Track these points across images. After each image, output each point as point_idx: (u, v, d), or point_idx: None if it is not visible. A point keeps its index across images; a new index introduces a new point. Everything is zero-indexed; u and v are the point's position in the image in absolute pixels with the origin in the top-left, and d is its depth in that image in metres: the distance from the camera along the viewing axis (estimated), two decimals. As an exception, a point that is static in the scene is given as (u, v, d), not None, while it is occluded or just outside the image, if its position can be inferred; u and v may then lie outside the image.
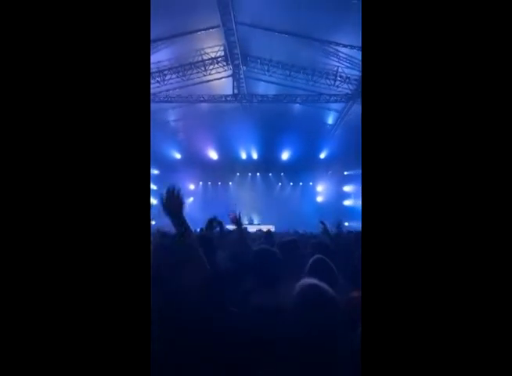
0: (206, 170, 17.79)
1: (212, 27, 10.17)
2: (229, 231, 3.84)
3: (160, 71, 11.46)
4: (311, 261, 2.43)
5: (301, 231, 8.92)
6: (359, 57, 10.15)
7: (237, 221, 3.07)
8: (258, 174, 19.18)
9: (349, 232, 4.22)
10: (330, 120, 15.25)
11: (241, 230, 3.05)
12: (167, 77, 11.66)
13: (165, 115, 14.87)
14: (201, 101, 12.92)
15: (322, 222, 3.76)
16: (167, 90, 12.26)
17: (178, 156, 17.68)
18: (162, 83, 11.72)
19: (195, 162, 17.18)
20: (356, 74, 11.12)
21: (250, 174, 19.08)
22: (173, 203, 1.79)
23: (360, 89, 11.34)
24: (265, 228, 7.85)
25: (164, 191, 1.80)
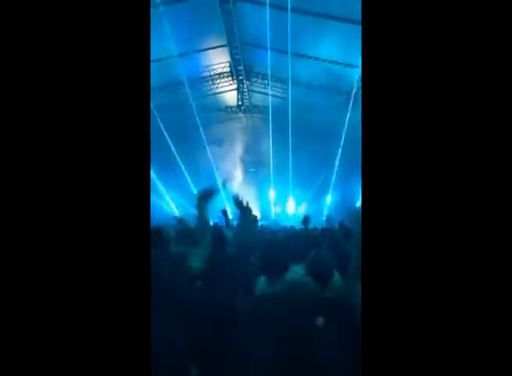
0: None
1: (219, 47, 10.30)
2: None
3: (174, 84, 11.57)
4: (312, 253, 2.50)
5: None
6: (349, 72, 10.21)
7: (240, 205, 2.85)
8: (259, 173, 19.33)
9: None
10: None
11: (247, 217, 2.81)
12: (180, 90, 11.77)
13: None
14: (209, 111, 13.03)
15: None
16: (180, 101, 12.36)
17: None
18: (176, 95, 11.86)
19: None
20: (346, 87, 11.16)
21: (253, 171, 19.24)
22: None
23: (350, 100, 11.40)
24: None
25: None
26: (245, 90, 12.34)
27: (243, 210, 2.79)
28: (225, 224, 3.44)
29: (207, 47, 10.31)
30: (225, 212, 3.54)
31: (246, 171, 18.90)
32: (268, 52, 9.77)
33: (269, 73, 10.93)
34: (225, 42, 9.90)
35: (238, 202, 2.82)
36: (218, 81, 11.86)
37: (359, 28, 1.21)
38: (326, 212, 12.05)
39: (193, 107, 12.07)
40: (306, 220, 4.09)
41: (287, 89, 11.67)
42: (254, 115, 13.49)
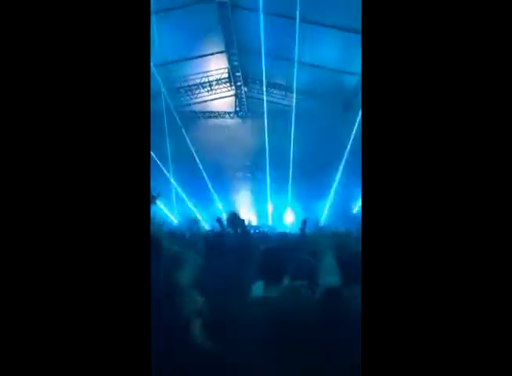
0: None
1: (218, 53, 10.38)
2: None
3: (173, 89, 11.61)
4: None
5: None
6: (347, 79, 10.32)
7: (233, 220, 3.00)
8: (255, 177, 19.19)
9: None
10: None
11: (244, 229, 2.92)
12: (178, 95, 11.80)
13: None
14: (208, 117, 13.09)
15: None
16: (178, 106, 12.39)
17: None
18: (174, 100, 11.88)
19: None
20: (343, 94, 11.26)
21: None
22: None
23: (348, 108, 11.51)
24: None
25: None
26: (243, 96, 12.40)
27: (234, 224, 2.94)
28: (220, 231, 3.48)
29: (206, 53, 10.38)
30: (219, 220, 3.60)
31: (243, 177, 18.90)
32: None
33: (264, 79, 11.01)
34: (223, 49, 9.97)
35: (232, 219, 2.98)
36: (216, 86, 11.92)
37: (359, 37, 1.23)
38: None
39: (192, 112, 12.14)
40: (304, 224, 4.09)
41: (285, 95, 11.76)
42: (252, 120, 13.55)
